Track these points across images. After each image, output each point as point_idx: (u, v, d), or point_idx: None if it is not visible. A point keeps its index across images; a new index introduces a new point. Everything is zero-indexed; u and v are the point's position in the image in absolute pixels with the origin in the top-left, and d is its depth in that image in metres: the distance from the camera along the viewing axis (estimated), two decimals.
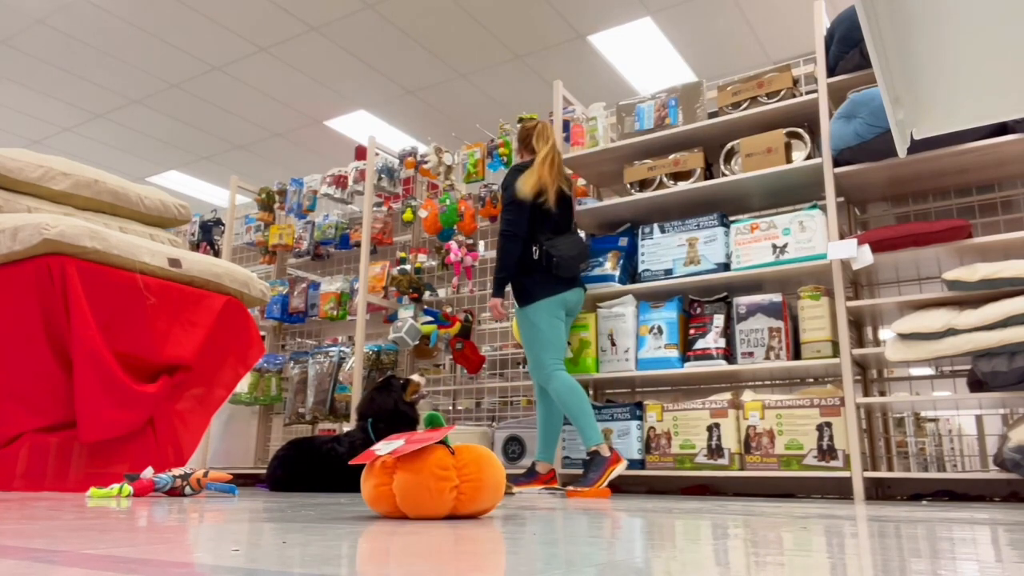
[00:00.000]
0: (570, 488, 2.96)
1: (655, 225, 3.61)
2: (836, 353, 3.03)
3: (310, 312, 4.78)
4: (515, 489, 3.11)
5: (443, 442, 1.48)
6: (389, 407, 3.17)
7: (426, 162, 4.44)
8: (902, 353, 2.84)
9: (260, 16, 5.69)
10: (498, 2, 5.44)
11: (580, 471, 3.36)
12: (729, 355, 3.31)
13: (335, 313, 4.62)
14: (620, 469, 2.97)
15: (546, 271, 3.19)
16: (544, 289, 3.21)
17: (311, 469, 3.04)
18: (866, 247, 3.00)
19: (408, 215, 4.51)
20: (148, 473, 2.28)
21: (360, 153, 4.93)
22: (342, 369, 4.37)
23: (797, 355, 3.18)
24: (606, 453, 2.99)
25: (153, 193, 3.19)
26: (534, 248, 3.22)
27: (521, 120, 4.11)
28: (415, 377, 3.31)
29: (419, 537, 1.08)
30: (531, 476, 3.23)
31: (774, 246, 3.27)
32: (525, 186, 3.21)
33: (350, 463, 1.58)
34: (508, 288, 3.30)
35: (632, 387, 3.93)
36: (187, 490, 2.29)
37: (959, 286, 2.80)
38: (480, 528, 1.26)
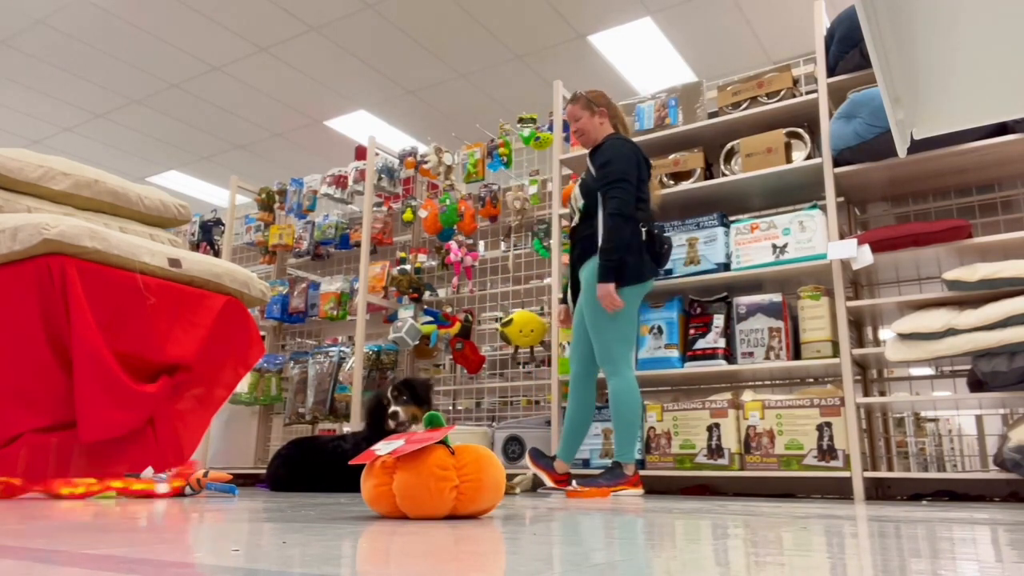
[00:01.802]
0: (570, 488, 2.96)
1: None
2: (836, 353, 3.03)
3: (310, 312, 4.78)
4: (531, 469, 3.09)
5: (443, 442, 1.48)
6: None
7: (426, 162, 4.44)
8: (902, 353, 2.83)
9: (260, 16, 5.69)
10: (498, 2, 5.44)
11: (578, 470, 3.36)
12: (729, 355, 3.31)
13: (335, 313, 4.62)
14: (633, 492, 2.89)
15: (646, 254, 2.99)
16: (638, 273, 2.97)
17: (312, 469, 3.04)
18: (866, 247, 3.00)
19: (408, 215, 4.51)
20: (148, 473, 2.28)
21: (360, 153, 4.93)
22: (342, 369, 4.37)
23: (797, 355, 3.18)
24: (628, 472, 2.93)
25: (153, 193, 3.19)
26: (641, 227, 2.99)
27: (522, 120, 4.10)
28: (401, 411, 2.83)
29: (419, 537, 1.08)
30: (549, 466, 3.10)
31: (774, 246, 3.27)
32: (631, 164, 3.00)
33: (350, 463, 1.58)
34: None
35: None
36: (187, 490, 2.29)
37: (959, 286, 2.80)
38: (480, 528, 1.26)
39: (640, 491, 2.94)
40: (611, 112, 3.24)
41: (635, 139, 3.72)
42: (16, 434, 2.44)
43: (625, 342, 3.01)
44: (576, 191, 3.17)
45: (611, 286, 2.89)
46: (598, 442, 3.45)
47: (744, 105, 3.51)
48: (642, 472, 3.27)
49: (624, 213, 2.92)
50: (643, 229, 2.99)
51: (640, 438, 3.33)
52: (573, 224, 3.20)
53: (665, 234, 3.17)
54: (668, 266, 3.51)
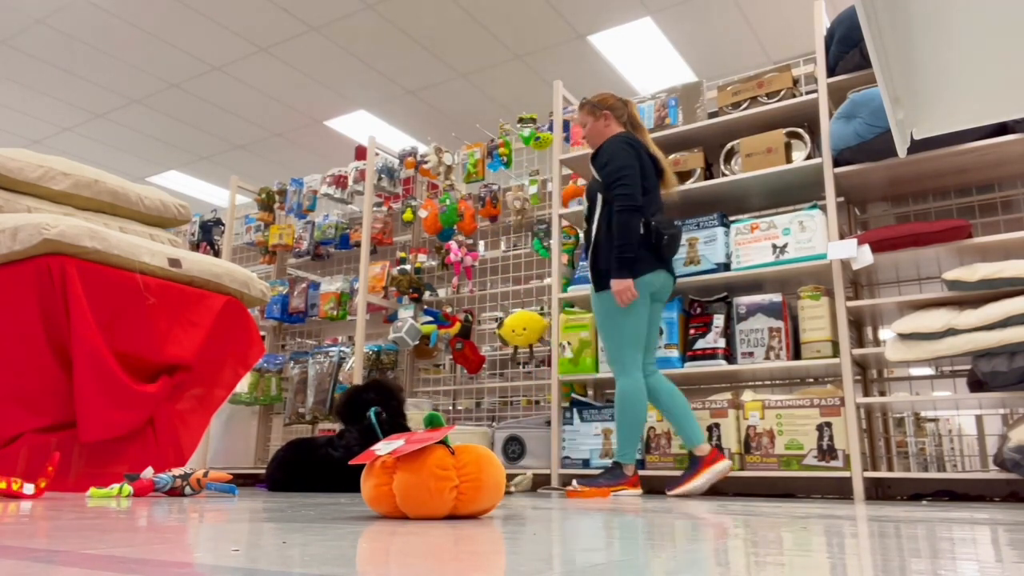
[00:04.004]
0: (570, 488, 2.96)
1: None
2: (836, 353, 3.03)
3: (310, 312, 4.78)
4: (610, 492, 2.89)
5: (443, 442, 1.48)
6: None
7: (426, 162, 4.44)
8: (902, 353, 2.83)
9: (260, 16, 5.69)
10: (498, 2, 5.44)
11: (578, 470, 3.36)
12: (729, 355, 3.31)
13: (335, 313, 4.62)
14: (632, 493, 2.91)
15: (647, 248, 2.94)
16: (637, 267, 2.92)
17: (310, 470, 3.04)
18: (866, 247, 3.00)
19: (408, 215, 4.51)
20: (148, 473, 2.28)
21: (360, 153, 4.93)
22: (342, 369, 4.37)
23: (797, 355, 3.18)
24: (628, 472, 2.94)
25: (153, 193, 3.19)
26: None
27: (522, 120, 4.10)
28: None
29: (419, 537, 1.08)
30: (618, 477, 2.94)
31: (774, 246, 3.27)
32: (629, 157, 2.97)
33: (350, 463, 1.58)
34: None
35: None
36: (187, 490, 2.29)
37: (959, 286, 2.80)
38: (480, 528, 1.26)
39: (639, 491, 2.94)
40: (617, 112, 3.20)
41: None
42: (16, 434, 2.44)
43: (632, 345, 2.98)
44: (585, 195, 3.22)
45: (628, 281, 2.88)
46: (598, 442, 3.45)
47: (744, 105, 3.51)
48: (642, 472, 3.27)
49: (629, 207, 2.92)
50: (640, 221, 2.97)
51: (641, 439, 3.32)
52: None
53: (674, 225, 3.09)
54: None
